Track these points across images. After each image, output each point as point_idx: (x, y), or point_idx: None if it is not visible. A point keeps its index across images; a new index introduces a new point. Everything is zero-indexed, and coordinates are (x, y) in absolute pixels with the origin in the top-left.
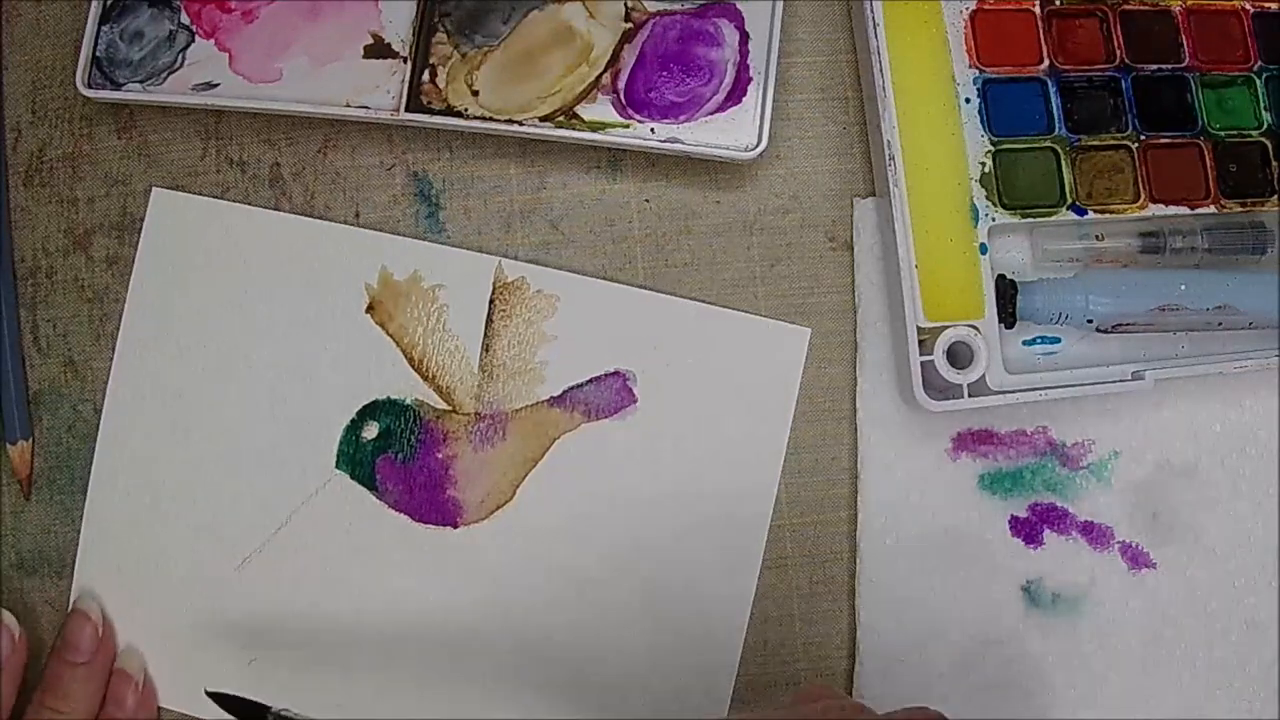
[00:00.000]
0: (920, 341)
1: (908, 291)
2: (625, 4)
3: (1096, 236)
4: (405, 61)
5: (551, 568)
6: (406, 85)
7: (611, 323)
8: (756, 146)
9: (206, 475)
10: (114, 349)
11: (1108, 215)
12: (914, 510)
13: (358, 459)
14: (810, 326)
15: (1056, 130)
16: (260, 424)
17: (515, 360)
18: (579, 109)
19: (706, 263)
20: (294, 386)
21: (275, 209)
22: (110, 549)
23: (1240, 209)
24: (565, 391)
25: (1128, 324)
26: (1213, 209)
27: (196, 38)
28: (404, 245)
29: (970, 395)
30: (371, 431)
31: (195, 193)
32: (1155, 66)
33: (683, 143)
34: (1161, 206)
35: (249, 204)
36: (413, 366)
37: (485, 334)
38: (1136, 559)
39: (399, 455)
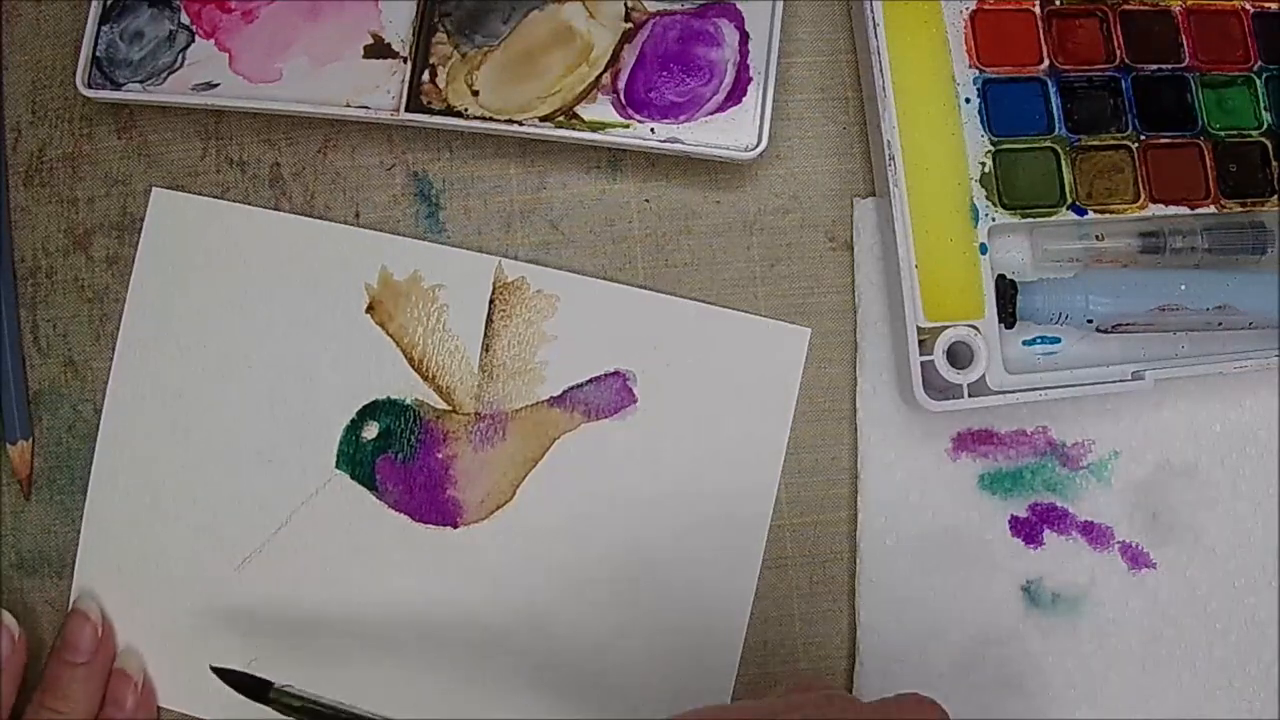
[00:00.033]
0: (920, 341)
1: (908, 291)
2: (625, 4)
3: (1096, 236)
4: (405, 61)
5: (551, 568)
6: (406, 85)
7: (611, 323)
8: (756, 146)
9: (206, 475)
10: (114, 349)
11: (1108, 215)
12: (914, 510)
13: (358, 459)
14: (810, 326)
15: (1056, 130)
16: (260, 424)
17: (515, 360)
18: (579, 109)
19: (706, 263)
20: (294, 386)
21: (275, 209)
22: (110, 549)
23: (1240, 209)
24: (565, 391)
25: (1128, 324)
26: (1213, 209)
27: (196, 38)
28: (404, 245)
29: (970, 395)
30: (371, 431)
31: (195, 193)
32: (1155, 66)
33: (683, 143)
34: (1161, 206)
35: (249, 204)
36: (413, 366)
37: (485, 334)
38: (1136, 559)
39: (399, 455)
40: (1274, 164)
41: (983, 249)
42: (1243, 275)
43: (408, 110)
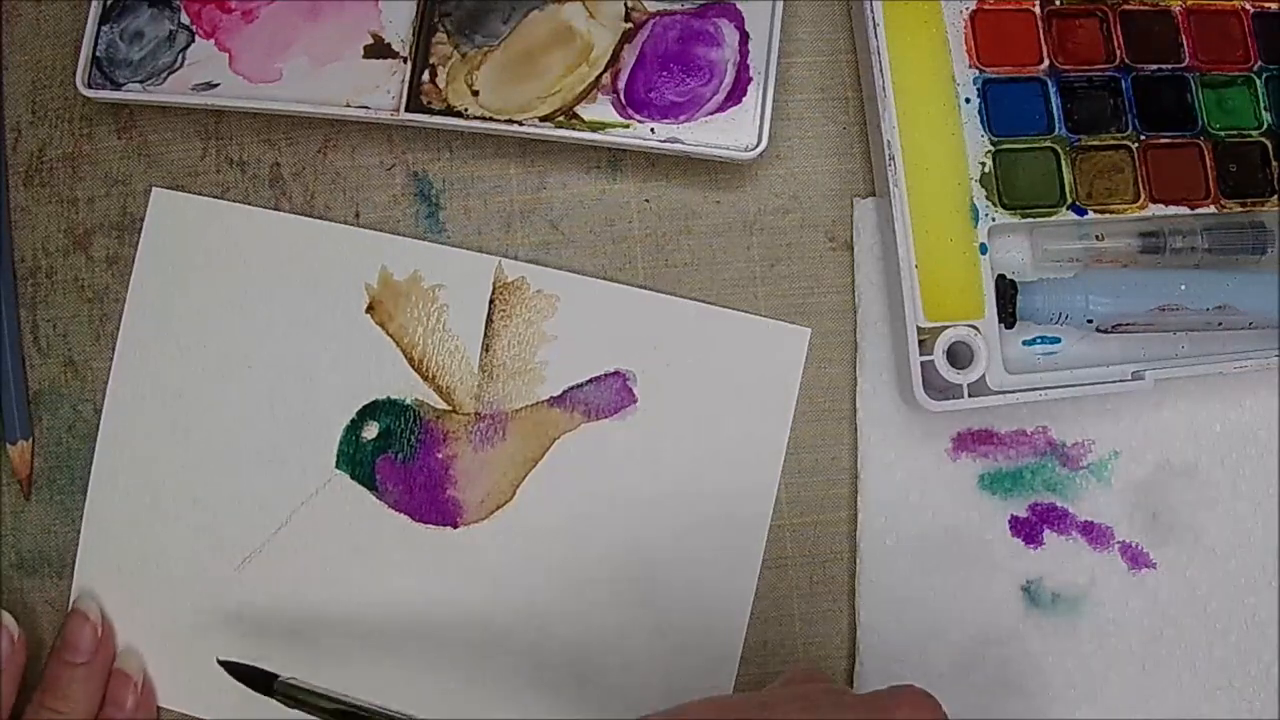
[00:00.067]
0: (920, 341)
1: (908, 291)
2: (625, 4)
3: (1096, 236)
4: (405, 61)
5: (551, 568)
6: (406, 85)
7: (611, 323)
8: (756, 146)
9: (206, 475)
10: (114, 349)
11: (1108, 215)
12: (914, 510)
13: (358, 459)
14: (810, 326)
15: (1056, 130)
16: (260, 424)
17: (515, 360)
18: (579, 109)
19: (706, 263)
20: (294, 386)
21: (275, 209)
22: (110, 549)
23: (1240, 209)
24: (565, 391)
25: (1128, 324)
26: (1213, 209)
27: (196, 38)
28: (404, 245)
29: (970, 395)
30: (371, 431)
31: (195, 193)
32: (1155, 66)
33: (683, 143)
34: (1161, 206)
35: (249, 204)
36: (413, 366)
37: (485, 334)
38: (1136, 559)
39: (399, 455)
40: (1274, 164)
41: (983, 249)
42: (1243, 275)
43: (408, 110)
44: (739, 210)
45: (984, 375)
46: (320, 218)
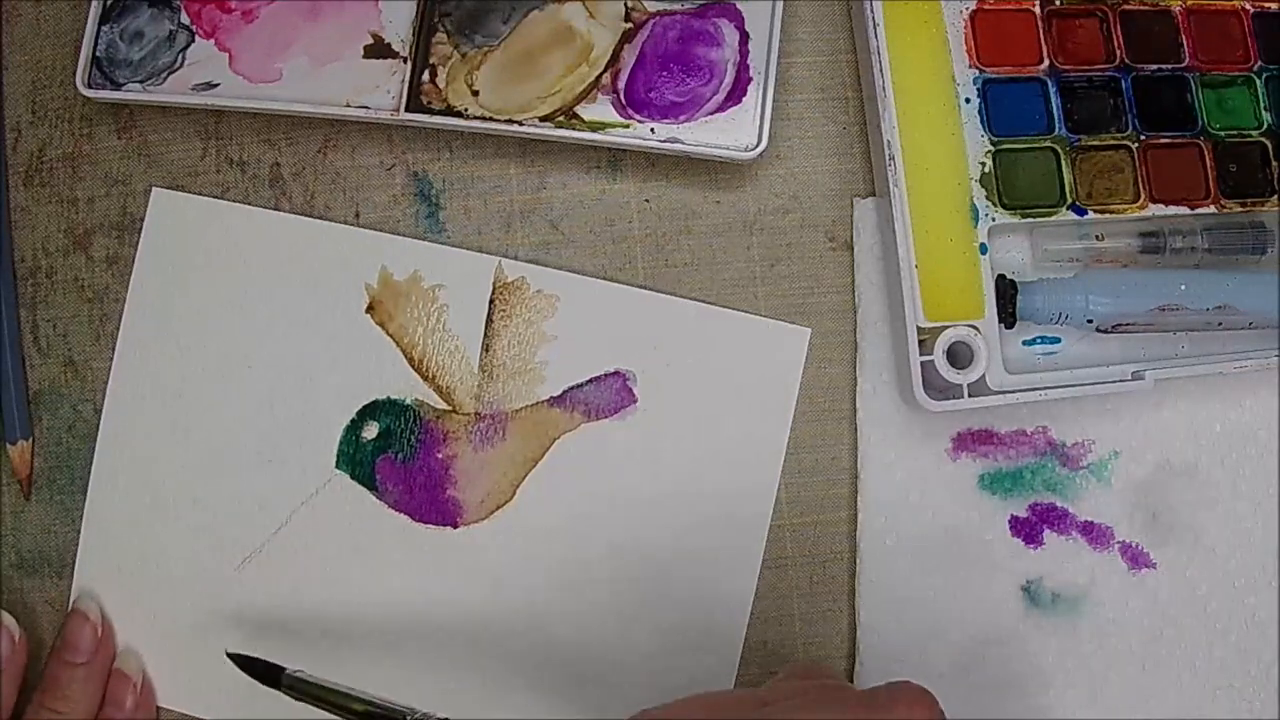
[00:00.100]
0: (920, 341)
1: (908, 291)
2: (625, 4)
3: (1096, 236)
4: (405, 61)
5: (551, 568)
6: (406, 85)
7: (611, 323)
8: (756, 146)
9: (206, 475)
10: (114, 349)
11: (1108, 215)
12: (914, 510)
13: (358, 459)
14: (810, 326)
15: (1056, 130)
16: (260, 424)
17: (515, 360)
18: (579, 109)
19: (706, 263)
20: (294, 386)
21: (275, 209)
22: (110, 549)
23: (1240, 209)
24: (565, 391)
25: (1128, 324)
26: (1213, 209)
27: (196, 38)
28: (404, 245)
29: (970, 395)
30: (371, 431)
31: (195, 193)
32: (1155, 66)
33: (683, 143)
34: (1161, 206)
35: (249, 204)
36: (413, 366)
37: (485, 334)
38: (1136, 559)
39: (399, 455)
40: (1274, 164)
41: (983, 249)
42: (1243, 275)
43: (408, 110)
44: (739, 210)
45: (984, 375)
46: (320, 218)
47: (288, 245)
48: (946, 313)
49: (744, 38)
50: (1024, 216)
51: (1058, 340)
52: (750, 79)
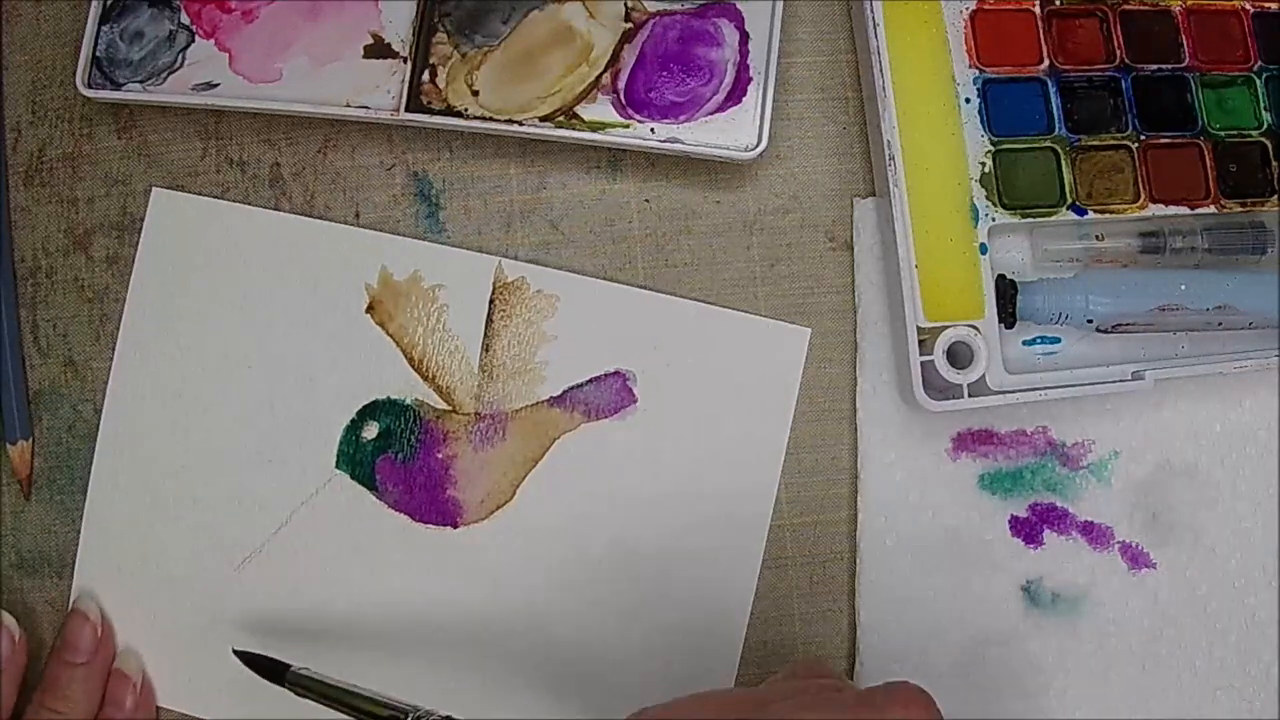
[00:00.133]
0: (920, 341)
1: (908, 291)
2: (625, 4)
3: (1096, 236)
4: (405, 61)
5: (551, 568)
6: (406, 85)
7: (611, 323)
8: (756, 146)
9: (206, 475)
10: (114, 349)
11: (1108, 215)
12: (914, 510)
13: (358, 459)
14: (810, 326)
15: (1056, 130)
16: (260, 424)
17: (515, 360)
18: (579, 109)
19: (706, 263)
20: (294, 386)
21: (275, 209)
22: (110, 549)
23: (1240, 209)
24: (565, 391)
25: (1128, 324)
26: (1213, 209)
27: (196, 38)
28: (404, 245)
29: (970, 395)
30: (371, 431)
31: (195, 193)
32: (1155, 66)
33: (683, 143)
34: (1161, 206)
35: (249, 204)
36: (413, 366)
37: (485, 334)
38: (1136, 559)
39: (399, 455)
40: (1274, 164)
41: (983, 249)
42: (1243, 275)
43: (408, 110)
44: (739, 210)
45: (984, 375)
46: (320, 218)
47: (288, 245)
48: (946, 313)
49: (744, 38)
50: (1024, 216)
51: (1058, 340)
52: (750, 79)
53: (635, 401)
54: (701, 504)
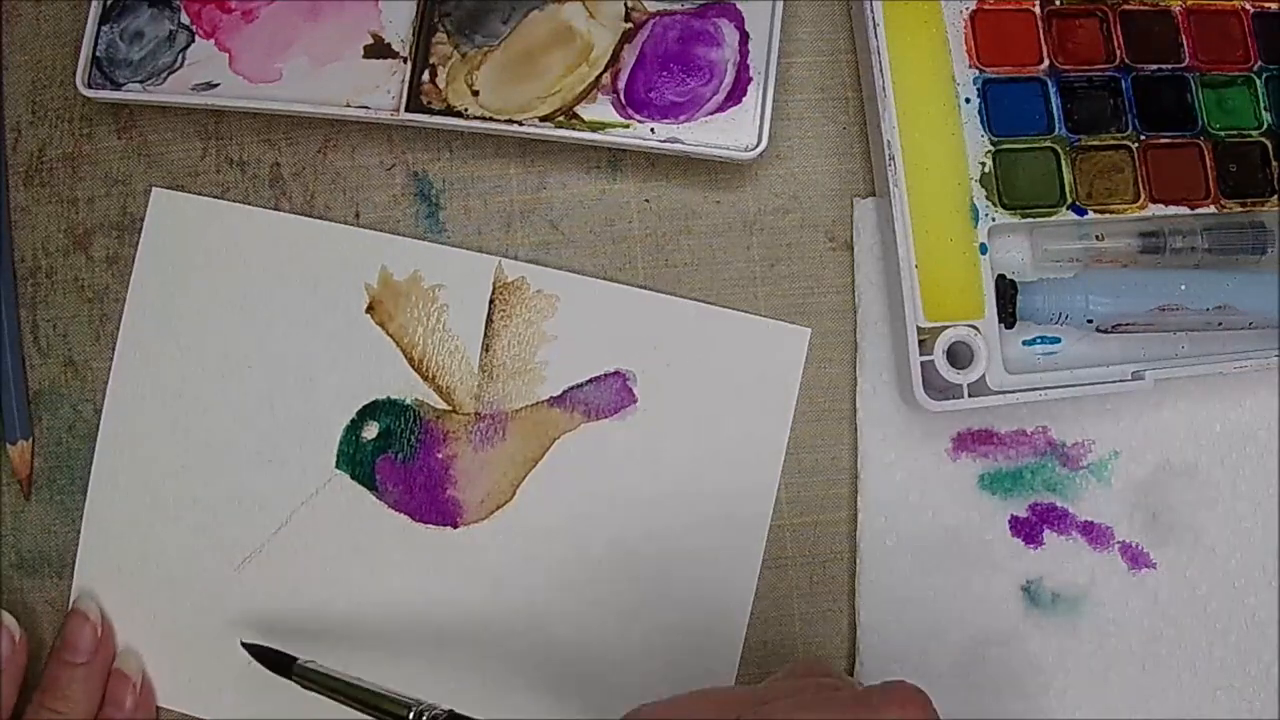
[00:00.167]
0: (920, 341)
1: (908, 291)
2: (625, 4)
3: (1096, 236)
4: (405, 61)
5: (551, 568)
6: (406, 85)
7: (611, 323)
8: (756, 146)
9: (206, 475)
10: (114, 349)
11: (1108, 215)
12: (914, 510)
13: (358, 459)
14: (810, 326)
15: (1056, 130)
16: (260, 424)
17: (515, 360)
18: (579, 109)
19: (706, 263)
20: (294, 386)
21: (275, 209)
22: (110, 549)
23: (1240, 209)
24: (565, 391)
25: (1128, 324)
26: (1213, 209)
27: (196, 38)
28: (404, 245)
29: (970, 395)
30: (371, 431)
31: (195, 193)
32: (1155, 66)
33: (683, 143)
34: (1161, 206)
35: (249, 204)
36: (413, 366)
37: (485, 334)
38: (1136, 559)
39: (399, 455)
40: (1274, 164)
41: (983, 249)
42: (1243, 275)
43: (408, 110)
44: (739, 210)
45: (984, 375)
46: (320, 218)
47: (288, 245)
48: (946, 313)
49: (744, 38)
50: (1024, 216)
51: (1058, 340)
52: (750, 79)
53: (635, 401)
54: (701, 504)
